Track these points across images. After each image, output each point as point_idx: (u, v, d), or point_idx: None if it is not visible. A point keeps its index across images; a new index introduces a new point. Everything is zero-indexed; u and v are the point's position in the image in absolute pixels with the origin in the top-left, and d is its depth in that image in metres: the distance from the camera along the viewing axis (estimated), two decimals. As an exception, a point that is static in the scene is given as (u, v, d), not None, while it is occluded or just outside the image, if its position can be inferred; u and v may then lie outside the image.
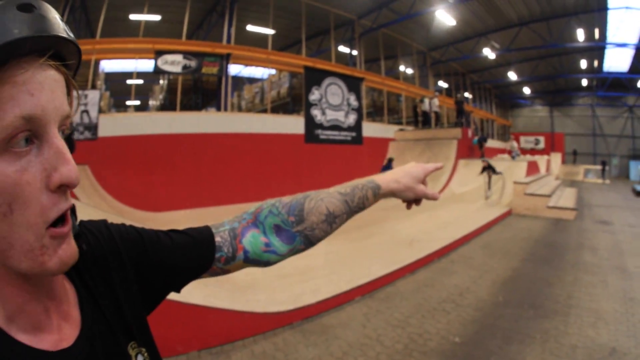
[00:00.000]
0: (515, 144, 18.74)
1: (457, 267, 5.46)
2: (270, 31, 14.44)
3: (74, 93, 0.54)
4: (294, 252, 0.80)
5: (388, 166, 12.18)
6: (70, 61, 0.51)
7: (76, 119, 9.23)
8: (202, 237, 0.74)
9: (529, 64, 21.82)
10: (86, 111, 9.77)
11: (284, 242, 0.78)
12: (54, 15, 0.47)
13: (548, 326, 3.68)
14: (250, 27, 15.27)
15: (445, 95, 20.18)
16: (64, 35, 0.47)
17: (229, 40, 13.03)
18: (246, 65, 14.73)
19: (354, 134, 14.31)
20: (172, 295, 0.74)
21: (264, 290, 4.38)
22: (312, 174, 12.57)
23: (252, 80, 17.61)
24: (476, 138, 15.20)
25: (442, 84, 22.38)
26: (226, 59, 12.37)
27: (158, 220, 8.37)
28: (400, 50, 18.77)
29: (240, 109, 16.06)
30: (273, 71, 14.87)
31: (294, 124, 13.03)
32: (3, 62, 0.42)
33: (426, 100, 16.14)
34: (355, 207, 0.85)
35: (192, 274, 0.73)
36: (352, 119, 14.31)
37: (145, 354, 0.66)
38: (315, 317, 3.98)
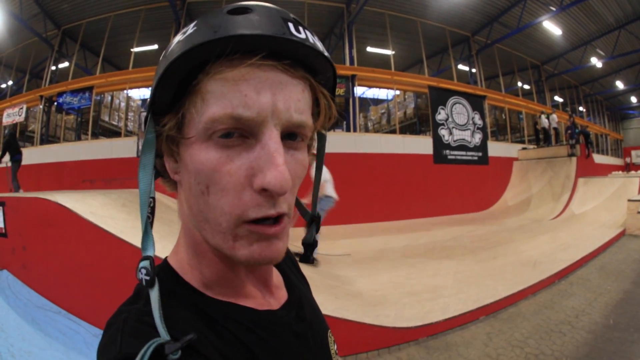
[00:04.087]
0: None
1: (575, 289, 5.39)
2: (389, 52, 14.56)
3: (324, 101, 0.51)
4: None
5: None
6: (317, 67, 0.48)
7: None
8: None
9: (632, 70, 20.48)
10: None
11: None
12: (276, 16, 0.44)
13: (648, 351, 3.58)
14: (370, 49, 15.51)
15: (562, 110, 19.31)
16: (280, 35, 0.43)
17: (352, 62, 13.30)
18: (370, 86, 14.86)
19: (480, 153, 13.99)
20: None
21: (393, 306, 4.41)
22: (441, 195, 12.43)
23: (376, 102, 17.79)
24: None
25: (558, 98, 21.53)
26: (351, 80, 12.60)
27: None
28: (516, 65, 18.26)
29: (367, 130, 16.19)
30: (397, 92, 14.88)
31: (422, 144, 12.98)
32: (206, 61, 0.43)
33: (544, 117, 15.49)
34: None
35: None
36: (477, 138, 14.03)
37: (336, 347, 0.70)
38: (440, 335, 4.01)
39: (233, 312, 0.52)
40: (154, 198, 0.52)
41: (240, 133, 0.44)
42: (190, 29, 0.44)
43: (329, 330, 0.70)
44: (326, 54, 0.48)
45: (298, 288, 0.68)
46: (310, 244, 0.67)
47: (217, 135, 0.44)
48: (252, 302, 0.56)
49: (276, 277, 0.66)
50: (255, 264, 0.49)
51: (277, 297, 0.62)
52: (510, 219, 11.37)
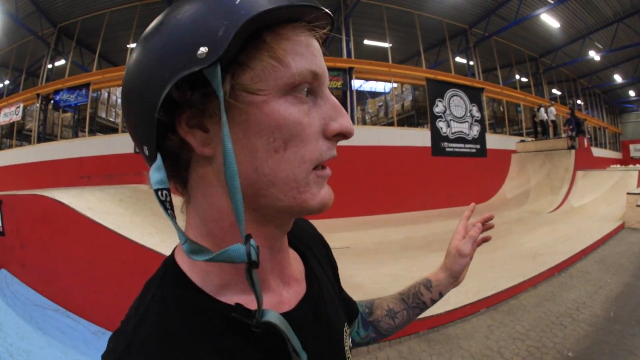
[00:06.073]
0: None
1: (575, 281, 5.43)
2: (387, 44, 14.52)
3: None
4: (369, 338, 0.90)
5: None
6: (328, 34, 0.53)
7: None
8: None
9: (631, 63, 20.43)
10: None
11: (363, 328, 0.89)
12: None
13: (650, 343, 3.61)
14: (367, 42, 15.47)
15: (559, 103, 19.30)
16: (330, 12, 0.49)
17: (349, 55, 13.23)
18: (367, 79, 14.82)
19: (478, 146, 13.96)
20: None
21: None
22: (440, 187, 12.41)
23: (373, 95, 17.78)
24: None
25: (556, 91, 21.50)
26: (349, 73, 12.55)
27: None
28: (514, 58, 18.26)
29: (364, 123, 16.18)
30: (394, 84, 14.86)
31: (420, 137, 12.94)
32: (287, 21, 0.45)
33: (542, 109, 15.53)
34: (412, 303, 0.94)
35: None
36: (475, 130, 13.99)
37: (350, 342, 0.70)
38: (440, 327, 4.04)
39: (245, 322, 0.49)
40: (168, 189, 0.46)
41: (309, 91, 0.48)
42: None
43: (345, 325, 0.69)
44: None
45: (319, 280, 0.66)
46: None
47: (296, 92, 0.46)
48: (269, 301, 0.54)
49: (297, 267, 0.65)
50: (325, 208, 0.52)
51: (295, 290, 0.60)
52: (509, 211, 11.40)
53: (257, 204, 0.48)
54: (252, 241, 0.43)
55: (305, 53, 0.46)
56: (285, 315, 0.52)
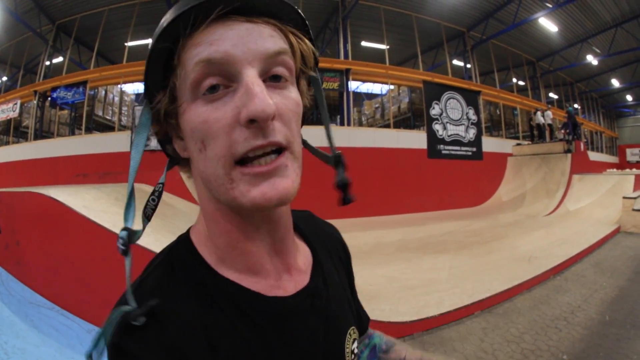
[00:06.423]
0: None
1: (571, 285, 5.42)
2: (384, 46, 14.51)
3: (295, 40, 0.53)
4: None
5: None
6: (280, 15, 0.51)
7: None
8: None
9: (629, 68, 20.44)
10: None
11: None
12: None
13: (644, 348, 3.63)
14: (364, 43, 15.48)
15: (556, 107, 19.36)
16: None
17: (346, 56, 13.24)
18: (364, 81, 14.80)
19: (474, 149, 13.94)
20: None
21: (388, 301, 4.42)
22: (435, 189, 12.40)
23: (369, 96, 17.79)
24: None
25: (553, 95, 21.55)
26: (345, 74, 12.52)
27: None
28: (511, 61, 18.27)
29: (360, 124, 16.17)
30: (391, 86, 14.85)
31: (416, 139, 12.91)
32: (179, 37, 0.47)
33: (539, 113, 15.58)
34: None
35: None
36: (471, 133, 13.97)
37: (358, 346, 0.68)
38: (435, 330, 4.01)
39: (237, 296, 0.53)
40: (163, 184, 0.57)
41: (224, 85, 0.47)
42: (164, 18, 0.48)
43: (351, 328, 0.67)
44: None
45: (327, 277, 0.65)
46: (345, 184, 0.64)
47: (203, 92, 0.47)
48: (263, 282, 0.56)
49: (304, 259, 0.65)
50: (261, 208, 0.48)
51: (296, 280, 0.60)
52: (505, 214, 11.40)
53: (214, 196, 0.52)
54: (122, 233, 0.51)
55: (196, 50, 0.47)
56: (279, 299, 0.55)
